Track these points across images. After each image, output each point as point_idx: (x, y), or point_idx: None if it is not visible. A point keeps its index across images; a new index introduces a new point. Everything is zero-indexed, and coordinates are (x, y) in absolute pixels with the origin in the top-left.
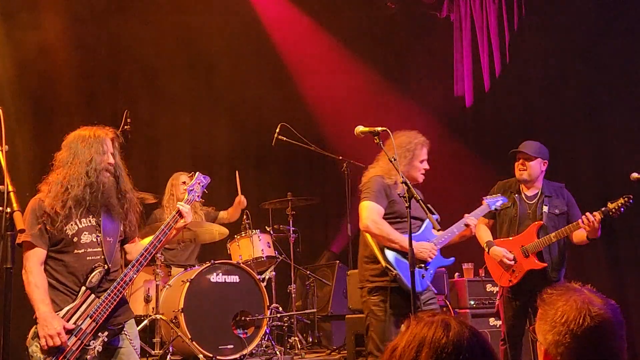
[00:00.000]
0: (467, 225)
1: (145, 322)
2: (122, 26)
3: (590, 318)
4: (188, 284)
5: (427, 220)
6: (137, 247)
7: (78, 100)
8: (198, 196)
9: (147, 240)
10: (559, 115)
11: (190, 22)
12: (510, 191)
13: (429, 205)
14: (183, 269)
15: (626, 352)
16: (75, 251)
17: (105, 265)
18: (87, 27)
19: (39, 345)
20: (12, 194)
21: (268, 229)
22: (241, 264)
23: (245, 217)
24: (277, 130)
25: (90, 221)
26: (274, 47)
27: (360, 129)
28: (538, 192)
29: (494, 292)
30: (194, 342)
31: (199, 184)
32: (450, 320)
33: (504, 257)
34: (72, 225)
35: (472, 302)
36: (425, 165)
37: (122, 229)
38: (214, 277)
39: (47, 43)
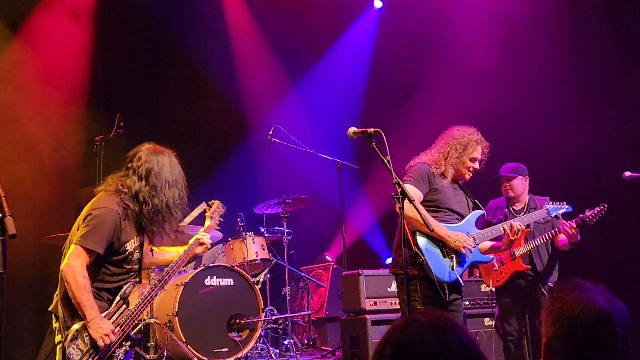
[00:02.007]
0: (511, 227)
1: (140, 326)
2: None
3: (594, 316)
4: (182, 287)
5: (471, 214)
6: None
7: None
8: (216, 224)
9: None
10: (552, 114)
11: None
12: (501, 207)
13: (475, 200)
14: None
15: (630, 355)
16: (125, 266)
17: (138, 279)
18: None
19: (75, 348)
20: (2, 199)
21: (262, 231)
22: (235, 267)
23: (239, 219)
24: (270, 132)
25: (139, 239)
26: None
27: (353, 130)
28: (524, 206)
29: (489, 292)
30: (188, 346)
31: (217, 211)
32: (419, 318)
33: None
34: (131, 243)
35: (466, 303)
36: (476, 165)
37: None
38: (208, 281)
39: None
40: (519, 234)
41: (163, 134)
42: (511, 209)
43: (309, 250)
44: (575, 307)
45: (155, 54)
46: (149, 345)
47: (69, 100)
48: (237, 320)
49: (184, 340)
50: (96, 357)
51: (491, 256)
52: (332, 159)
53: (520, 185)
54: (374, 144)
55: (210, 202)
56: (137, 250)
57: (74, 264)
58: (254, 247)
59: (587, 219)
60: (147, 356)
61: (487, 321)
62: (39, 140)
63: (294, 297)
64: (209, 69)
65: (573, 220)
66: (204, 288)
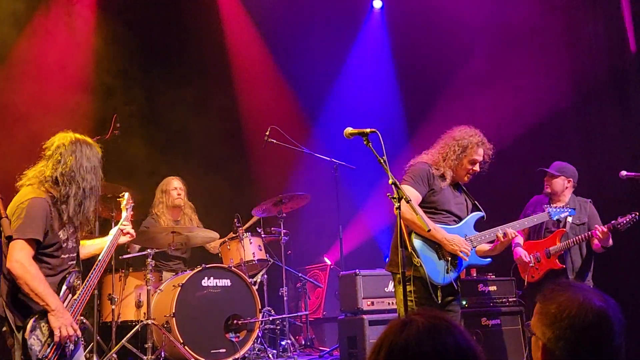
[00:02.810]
0: (504, 233)
1: (137, 327)
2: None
3: (592, 315)
4: (179, 288)
5: (470, 216)
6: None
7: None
8: (131, 214)
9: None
10: (547, 113)
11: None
12: (542, 203)
13: (476, 202)
14: (174, 273)
15: (624, 351)
16: (62, 255)
17: (78, 268)
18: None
19: (36, 338)
20: None
21: (259, 232)
22: (232, 268)
23: (235, 220)
24: (267, 132)
25: (70, 227)
26: (265, 48)
27: (349, 130)
28: (563, 206)
29: (486, 292)
30: (185, 347)
31: (130, 203)
32: (415, 319)
33: (522, 256)
34: (63, 231)
35: (463, 302)
36: (476, 168)
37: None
38: (205, 281)
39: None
40: (510, 239)
41: (159, 134)
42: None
43: (306, 250)
44: (572, 307)
45: (152, 55)
46: (146, 346)
47: (67, 99)
48: (235, 321)
49: (181, 342)
50: (54, 347)
51: (488, 259)
52: (329, 159)
53: (560, 185)
54: (370, 144)
55: (120, 195)
56: (71, 239)
57: (19, 258)
58: (251, 248)
59: (619, 226)
60: (145, 357)
61: (485, 321)
62: (36, 140)
63: (292, 298)
64: (206, 70)
65: (605, 226)
66: (201, 289)
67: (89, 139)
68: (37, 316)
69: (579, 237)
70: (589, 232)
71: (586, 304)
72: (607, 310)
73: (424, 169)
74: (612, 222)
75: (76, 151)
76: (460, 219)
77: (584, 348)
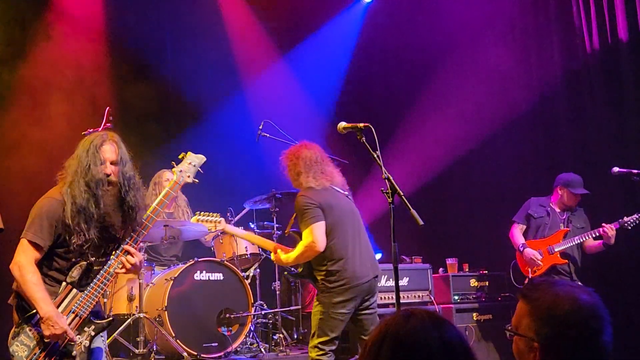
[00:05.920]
0: None
1: (129, 320)
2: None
3: (586, 310)
4: (172, 282)
5: None
6: None
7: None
8: (189, 176)
9: None
10: (540, 111)
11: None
12: (542, 205)
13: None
14: (166, 267)
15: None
16: (74, 259)
17: (92, 259)
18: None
19: (19, 345)
20: None
21: (252, 226)
22: (225, 262)
23: (228, 214)
24: (260, 127)
25: (93, 233)
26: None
27: (342, 125)
28: (565, 209)
29: (478, 287)
30: (177, 341)
31: (189, 163)
32: (416, 312)
33: (533, 257)
34: (79, 235)
35: (456, 297)
36: None
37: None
38: (198, 275)
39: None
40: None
41: (152, 129)
42: (554, 208)
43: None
44: (565, 303)
45: (146, 46)
46: (138, 340)
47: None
48: (227, 315)
49: (174, 335)
50: (45, 352)
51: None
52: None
53: (556, 195)
54: (363, 138)
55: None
56: (93, 247)
57: (19, 261)
58: (243, 242)
59: (626, 224)
60: (136, 351)
61: (476, 316)
62: (28, 135)
63: (284, 292)
64: (199, 67)
65: (613, 223)
66: (193, 283)
67: (102, 139)
68: (23, 322)
69: (587, 234)
70: (596, 231)
71: (578, 298)
72: (597, 304)
73: None
74: (619, 220)
75: (77, 151)
76: None
77: (580, 344)
